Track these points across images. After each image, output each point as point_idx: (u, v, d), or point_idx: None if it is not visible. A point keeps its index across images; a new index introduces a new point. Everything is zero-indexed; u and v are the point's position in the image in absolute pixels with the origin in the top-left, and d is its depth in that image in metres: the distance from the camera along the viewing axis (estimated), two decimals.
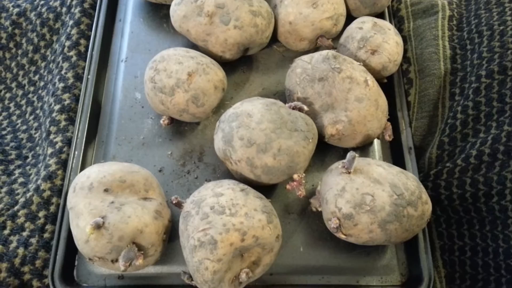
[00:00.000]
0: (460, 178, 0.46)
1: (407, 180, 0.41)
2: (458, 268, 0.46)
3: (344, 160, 0.42)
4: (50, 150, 0.50)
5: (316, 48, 0.56)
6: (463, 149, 0.48)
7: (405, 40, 0.58)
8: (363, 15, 0.56)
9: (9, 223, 0.47)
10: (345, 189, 0.41)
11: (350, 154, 0.41)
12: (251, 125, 0.42)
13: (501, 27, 0.51)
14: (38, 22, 0.61)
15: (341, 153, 0.52)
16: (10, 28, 0.62)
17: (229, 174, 0.49)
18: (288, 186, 0.44)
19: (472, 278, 0.45)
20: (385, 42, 0.50)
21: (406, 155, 0.50)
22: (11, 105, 0.60)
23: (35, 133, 0.56)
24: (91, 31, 0.58)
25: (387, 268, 0.46)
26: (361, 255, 0.46)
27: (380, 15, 0.58)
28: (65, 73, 0.55)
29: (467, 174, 0.46)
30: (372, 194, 0.40)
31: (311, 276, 0.46)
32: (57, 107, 0.53)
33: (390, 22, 0.59)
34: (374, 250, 0.47)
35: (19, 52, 0.62)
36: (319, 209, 0.45)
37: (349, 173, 0.41)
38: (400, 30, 0.59)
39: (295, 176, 0.43)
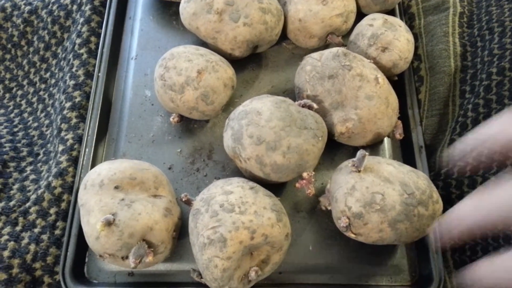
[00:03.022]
0: (471, 177, 0.46)
1: (417, 179, 0.41)
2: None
3: (354, 159, 0.42)
4: (61, 147, 0.51)
5: (326, 46, 0.56)
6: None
7: (416, 37, 0.58)
8: (374, 12, 0.56)
9: (21, 219, 0.47)
10: (355, 188, 0.40)
11: (360, 153, 0.40)
12: (260, 123, 0.42)
13: None
14: (49, 20, 0.61)
15: (351, 151, 0.51)
16: (21, 26, 0.62)
17: (238, 172, 0.49)
18: (297, 184, 0.44)
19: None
20: (396, 39, 0.50)
21: (416, 154, 0.50)
22: (23, 102, 0.61)
23: (46, 130, 0.57)
24: (101, 28, 0.58)
25: (397, 268, 0.46)
26: (370, 255, 0.46)
27: (391, 12, 0.58)
28: (76, 70, 0.56)
29: (478, 173, 0.46)
30: (382, 193, 0.39)
31: (320, 275, 0.45)
32: (68, 104, 0.53)
33: (401, 19, 0.58)
34: (383, 250, 0.46)
35: (31, 49, 0.62)
36: (329, 208, 0.45)
37: (359, 171, 0.41)
38: (411, 27, 0.59)
39: (305, 175, 0.43)
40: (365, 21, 0.52)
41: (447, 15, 0.57)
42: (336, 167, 0.45)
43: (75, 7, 0.61)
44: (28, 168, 0.53)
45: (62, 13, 0.61)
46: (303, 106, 0.45)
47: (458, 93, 0.53)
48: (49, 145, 0.55)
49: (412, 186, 0.40)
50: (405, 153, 0.52)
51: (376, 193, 0.39)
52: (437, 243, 0.45)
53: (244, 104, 0.45)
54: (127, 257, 0.39)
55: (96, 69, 0.55)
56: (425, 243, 0.45)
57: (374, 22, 0.51)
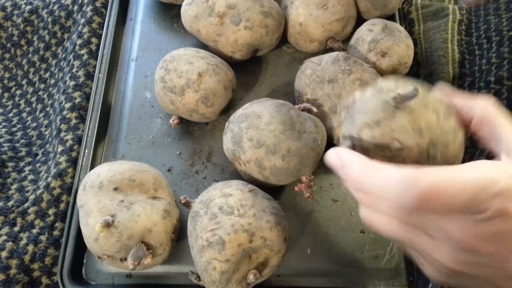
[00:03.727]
0: None
1: (453, 141, 0.34)
2: None
3: (401, 90, 0.34)
4: (60, 148, 0.51)
5: (326, 50, 0.56)
6: (473, 155, 0.48)
7: (415, 42, 0.58)
8: (374, 17, 0.56)
9: (19, 220, 0.47)
10: (379, 124, 0.34)
11: (411, 89, 0.33)
12: (260, 126, 0.42)
13: (510, 33, 0.51)
14: (49, 20, 0.61)
15: None
16: (22, 26, 0.62)
17: (237, 175, 0.49)
18: (296, 188, 0.44)
19: None
20: (396, 44, 0.50)
21: None
22: (22, 102, 0.61)
23: (45, 131, 0.56)
24: (102, 29, 0.58)
25: (395, 272, 0.46)
26: (368, 258, 0.46)
27: (391, 17, 0.58)
28: (76, 71, 0.56)
29: None
30: (404, 144, 0.33)
31: (318, 278, 0.46)
32: (68, 105, 0.53)
33: (401, 24, 0.58)
34: (381, 254, 0.46)
35: (30, 49, 0.62)
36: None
37: (397, 107, 0.34)
38: (410, 32, 0.59)
39: (304, 178, 0.44)
40: (365, 26, 0.53)
41: (447, 21, 0.57)
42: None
43: (76, 7, 0.61)
44: (27, 168, 0.53)
45: (63, 13, 0.61)
46: (303, 110, 0.45)
47: None
48: (48, 145, 0.55)
49: (440, 148, 0.33)
50: None
51: (396, 139, 0.33)
52: None
53: (244, 107, 0.45)
54: (125, 259, 0.39)
55: (97, 70, 0.55)
56: None
57: (374, 27, 0.51)
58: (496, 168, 0.28)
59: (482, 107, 0.32)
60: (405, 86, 0.34)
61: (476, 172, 0.27)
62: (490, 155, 0.33)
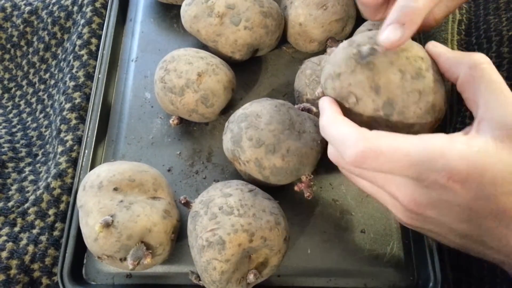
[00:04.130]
0: None
1: (416, 103, 0.34)
2: (464, 272, 0.46)
3: (363, 44, 0.35)
4: (60, 148, 0.51)
5: (326, 50, 0.56)
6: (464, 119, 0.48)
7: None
8: None
9: (19, 220, 0.47)
10: (340, 78, 0.35)
11: (368, 48, 0.34)
12: (260, 126, 0.42)
13: (510, 33, 0.51)
14: (49, 20, 0.61)
15: None
16: (21, 26, 0.62)
17: (237, 175, 0.49)
18: (296, 187, 0.44)
19: (479, 280, 0.45)
20: None
21: None
22: (22, 102, 0.61)
23: (45, 131, 0.57)
24: (102, 30, 0.58)
25: (395, 271, 0.46)
26: (368, 258, 0.46)
27: None
28: (76, 71, 0.56)
29: None
30: (360, 97, 0.34)
31: (318, 278, 0.46)
32: (68, 105, 0.53)
33: None
34: (381, 253, 0.46)
35: (30, 50, 0.63)
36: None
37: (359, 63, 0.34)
38: None
39: (303, 178, 0.44)
40: (364, 26, 0.52)
41: (447, 21, 0.57)
42: (335, 170, 0.45)
43: (75, 8, 0.61)
44: (27, 169, 0.53)
45: (62, 14, 0.61)
46: (302, 110, 0.45)
47: (456, 99, 0.53)
48: (48, 146, 0.55)
49: (397, 108, 0.33)
50: None
51: (353, 93, 0.34)
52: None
53: (243, 107, 0.45)
54: (125, 259, 0.39)
55: (96, 71, 0.55)
56: (423, 247, 0.45)
57: (374, 27, 0.51)
58: (448, 143, 0.29)
59: (470, 66, 0.32)
60: (371, 42, 0.35)
61: (423, 144, 0.29)
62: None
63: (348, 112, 0.35)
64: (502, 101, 0.30)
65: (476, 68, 0.31)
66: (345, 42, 0.36)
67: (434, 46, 0.35)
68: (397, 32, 0.33)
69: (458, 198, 0.29)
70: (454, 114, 0.53)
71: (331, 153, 0.36)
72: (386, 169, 0.31)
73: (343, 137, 0.32)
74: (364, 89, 0.34)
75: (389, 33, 0.33)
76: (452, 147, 0.29)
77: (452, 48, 0.55)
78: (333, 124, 0.33)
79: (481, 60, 0.31)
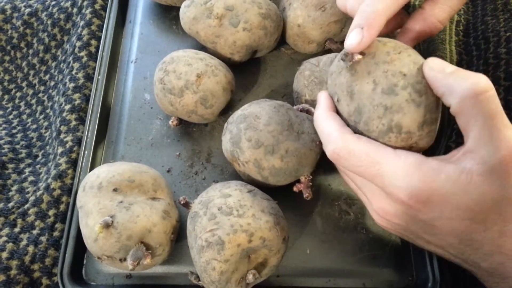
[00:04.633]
0: None
1: (383, 115, 0.33)
2: (462, 272, 0.46)
3: (345, 50, 0.35)
4: (60, 149, 0.51)
5: (324, 51, 0.57)
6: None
7: None
8: None
9: (19, 221, 0.47)
10: (331, 76, 0.38)
11: (345, 53, 0.35)
12: (259, 127, 0.42)
13: (508, 34, 0.51)
14: (49, 22, 0.62)
15: None
16: (21, 28, 0.62)
17: (236, 176, 0.49)
18: (295, 188, 0.44)
19: (477, 280, 0.45)
20: None
21: None
22: (22, 104, 0.61)
23: (45, 132, 0.57)
24: (101, 32, 0.59)
25: (394, 272, 0.46)
26: (367, 258, 0.46)
27: None
28: (76, 73, 0.56)
29: None
30: (337, 99, 0.36)
31: (317, 278, 0.46)
32: (67, 106, 0.54)
33: None
34: (380, 254, 0.47)
35: (30, 51, 0.63)
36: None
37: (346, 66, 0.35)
38: None
39: (302, 178, 0.44)
40: None
41: None
42: (333, 171, 0.45)
43: (75, 10, 0.61)
44: (27, 170, 0.53)
45: (62, 16, 0.61)
46: (301, 111, 0.46)
47: None
48: (48, 147, 0.55)
49: (364, 118, 0.34)
50: None
51: (336, 94, 0.36)
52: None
53: (242, 108, 0.45)
54: (125, 259, 0.39)
55: (96, 72, 0.55)
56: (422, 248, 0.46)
57: None
58: (418, 164, 0.30)
59: (462, 97, 0.30)
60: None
61: (395, 158, 0.31)
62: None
63: (336, 109, 0.37)
64: (492, 138, 0.29)
65: (468, 100, 0.29)
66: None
67: (429, 68, 0.32)
68: (358, 36, 0.34)
69: (421, 216, 0.31)
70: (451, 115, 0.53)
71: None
72: (356, 171, 0.33)
73: (327, 132, 0.35)
74: (342, 91, 0.35)
75: (351, 37, 0.34)
76: (420, 168, 0.30)
77: (450, 49, 0.56)
78: (323, 119, 0.36)
79: (476, 91, 0.29)
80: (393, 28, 0.42)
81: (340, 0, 0.42)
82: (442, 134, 0.52)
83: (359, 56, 0.33)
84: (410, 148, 0.34)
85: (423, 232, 0.33)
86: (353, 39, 0.34)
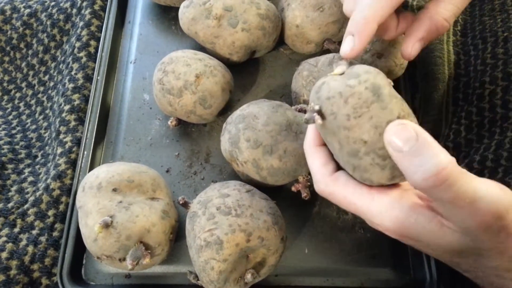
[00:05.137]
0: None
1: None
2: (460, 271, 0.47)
3: (343, 65, 0.34)
4: (59, 150, 0.51)
5: (323, 51, 0.57)
6: (467, 155, 0.48)
7: None
8: None
9: (19, 221, 0.47)
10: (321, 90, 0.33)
11: (342, 67, 0.34)
12: (257, 127, 0.42)
13: (505, 34, 0.52)
14: (48, 23, 0.62)
15: None
16: (21, 29, 0.63)
17: (235, 176, 0.49)
18: (293, 188, 0.44)
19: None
20: (392, 46, 0.50)
21: None
22: (21, 104, 0.61)
23: (44, 133, 0.57)
24: (101, 32, 0.59)
25: (392, 271, 0.46)
26: (365, 258, 0.47)
27: None
28: (75, 73, 0.56)
29: None
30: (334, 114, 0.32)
31: (315, 278, 0.46)
32: (67, 107, 0.54)
33: None
34: (378, 253, 0.47)
35: (30, 52, 0.63)
36: None
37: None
38: None
39: (300, 178, 0.44)
40: None
41: None
42: None
43: (74, 10, 0.62)
44: (26, 170, 0.53)
45: (61, 17, 0.62)
46: (299, 111, 0.46)
47: (451, 100, 0.54)
48: (47, 147, 0.55)
49: (341, 163, 0.34)
50: None
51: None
52: None
53: (241, 109, 0.46)
54: (124, 259, 0.40)
55: (95, 73, 0.55)
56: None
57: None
58: (392, 206, 0.31)
59: (419, 187, 0.28)
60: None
61: (364, 199, 0.33)
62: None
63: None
64: (461, 216, 0.28)
65: (428, 189, 0.28)
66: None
67: (388, 144, 0.29)
68: (349, 44, 0.36)
69: (407, 241, 0.33)
70: (449, 114, 0.53)
71: None
72: (341, 206, 0.35)
73: (312, 170, 0.36)
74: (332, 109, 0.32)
75: (344, 45, 0.36)
76: (392, 211, 0.31)
77: (448, 49, 0.56)
78: (308, 155, 0.37)
79: (434, 182, 0.27)
80: (402, 30, 0.42)
81: (347, 7, 0.41)
82: (440, 134, 0.52)
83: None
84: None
85: (422, 247, 0.33)
86: (345, 47, 0.36)
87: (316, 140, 0.36)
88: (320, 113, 0.32)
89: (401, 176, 0.31)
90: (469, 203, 0.27)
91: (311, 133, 0.37)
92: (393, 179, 0.32)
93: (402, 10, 0.43)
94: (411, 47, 0.41)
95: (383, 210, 0.32)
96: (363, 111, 0.30)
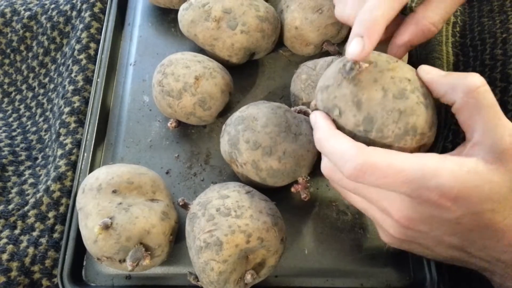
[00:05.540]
0: None
1: (396, 122, 0.34)
2: (460, 272, 0.47)
3: (346, 62, 0.36)
4: (60, 152, 0.51)
5: (322, 53, 0.57)
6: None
7: None
8: None
9: (19, 223, 0.48)
10: (327, 90, 0.36)
11: (350, 64, 0.35)
12: (256, 129, 0.43)
13: (504, 35, 0.52)
14: (48, 25, 0.62)
15: None
16: (21, 31, 0.63)
17: (235, 177, 0.50)
18: (293, 189, 0.44)
19: (475, 280, 0.45)
20: None
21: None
22: (21, 106, 0.61)
23: (44, 135, 0.57)
24: (100, 35, 0.59)
25: (391, 271, 0.47)
26: (365, 258, 0.47)
27: None
28: (75, 76, 0.56)
29: None
30: (342, 111, 0.35)
31: (315, 278, 0.46)
32: (67, 109, 0.54)
33: None
34: (378, 254, 0.47)
35: (30, 54, 0.63)
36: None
37: (345, 77, 0.35)
38: None
39: (300, 179, 0.44)
40: None
41: None
42: None
43: (74, 13, 0.62)
44: (27, 172, 0.53)
45: (61, 19, 0.62)
46: (298, 112, 0.46)
47: None
48: (47, 149, 0.55)
49: (376, 125, 0.34)
50: None
51: (337, 106, 0.35)
52: None
53: (240, 110, 0.46)
54: (124, 260, 0.40)
55: (95, 75, 0.55)
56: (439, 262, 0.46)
57: None
58: (441, 163, 0.31)
59: (465, 91, 0.32)
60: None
61: (417, 162, 0.31)
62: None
63: (334, 125, 0.36)
64: (496, 127, 0.31)
65: (471, 94, 0.32)
66: (337, 57, 0.37)
67: (426, 72, 0.35)
68: (359, 44, 0.35)
69: (448, 214, 0.31)
70: (449, 114, 0.53)
71: (326, 167, 0.37)
72: (382, 184, 0.32)
73: (341, 151, 0.33)
74: (347, 103, 0.35)
75: (352, 46, 0.35)
76: (444, 166, 0.31)
77: (447, 50, 0.56)
78: (331, 138, 0.34)
79: (477, 84, 0.32)
80: (392, 33, 0.42)
81: (338, 11, 0.42)
82: (440, 135, 0.53)
83: (366, 65, 0.34)
84: (419, 149, 0.35)
85: (447, 234, 0.33)
86: (354, 48, 0.34)
87: (332, 125, 0.35)
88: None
89: (436, 125, 0.35)
90: (501, 116, 0.31)
91: (323, 121, 0.36)
92: (432, 125, 0.34)
93: None
94: (396, 51, 0.42)
95: (436, 169, 0.30)
96: (396, 59, 0.35)
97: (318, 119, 0.36)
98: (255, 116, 0.43)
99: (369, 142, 0.34)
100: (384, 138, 0.34)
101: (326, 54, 0.55)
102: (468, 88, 0.32)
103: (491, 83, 0.49)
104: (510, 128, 0.31)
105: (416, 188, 0.31)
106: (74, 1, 0.62)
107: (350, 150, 0.32)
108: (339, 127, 0.35)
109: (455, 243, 0.33)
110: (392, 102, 0.33)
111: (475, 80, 0.32)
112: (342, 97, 0.35)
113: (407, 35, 0.40)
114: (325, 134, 0.35)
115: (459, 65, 0.55)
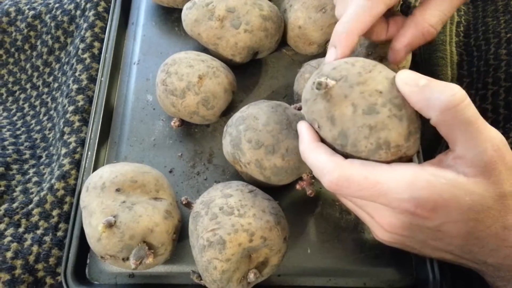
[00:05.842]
0: None
1: (366, 138, 0.33)
2: (463, 270, 0.47)
3: (319, 77, 0.35)
4: (64, 150, 0.52)
5: (325, 52, 0.57)
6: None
7: None
8: None
9: (23, 221, 0.48)
10: (306, 101, 0.36)
11: (319, 81, 0.34)
12: (258, 128, 0.43)
13: (508, 35, 0.52)
14: (53, 24, 0.62)
15: None
16: (25, 31, 0.63)
17: (238, 176, 0.50)
18: (298, 186, 0.45)
19: (478, 279, 0.45)
20: None
21: (414, 158, 0.51)
22: (26, 105, 0.62)
23: (49, 134, 0.57)
24: (104, 34, 0.59)
25: (394, 271, 0.47)
26: (368, 258, 0.47)
27: None
28: (79, 75, 0.56)
29: None
30: (320, 125, 0.35)
31: (318, 278, 0.46)
32: (71, 108, 0.54)
33: None
34: (381, 253, 0.47)
35: (34, 54, 0.63)
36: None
37: (318, 89, 0.35)
38: None
39: (304, 176, 0.44)
40: None
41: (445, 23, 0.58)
42: None
43: (78, 12, 0.62)
44: (31, 171, 0.54)
45: (65, 18, 0.62)
46: (299, 109, 0.46)
47: None
48: (51, 148, 0.55)
49: (350, 140, 0.34)
50: None
51: (316, 120, 0.36)
52: None
53: (241, 110, 0.46)
54: (128, 259, 0.40)
55: (99, 74, 0.56)
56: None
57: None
58: (417, 174, 0.31)
59: (441, 109, 0.30)
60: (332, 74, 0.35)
61: (392, 174, 0.31)
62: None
63: (319, 136, 0.36)
64: (478, 141, 0.30)
65: (446, 113, 0.30)
66: (318, 69, 0.37)
67: (403, 83, 0.32)
68: (332, 56, 0.37)
69: (427, 223, 0.32)
70: None
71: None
72: (359, 196, 0.33)
73: (319, 165, 0.34)
74: (322, 118, 0.35)
75: (327, 56, 0.37)
76: (420, 178, 0.31)
77: (451, 50, 0.56)
78: (312, 152, 0.35)
79: (454, 103, 0.30)
80: (392, 33, 0.42)
81: (338, 11, 0.43)
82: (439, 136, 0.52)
83: (333, 82, 0.33)
84: (400, 159, 0.34)
85: (430, 239, 0.33)
86: (328, 58, 0.37)
87: (315, 137, 0.36)
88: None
89: (416, 134, 0.33)
90: (483, 130, 0.30)
91: (307, 133, 0.36)
92: (409, 136, 0.33)
93: (394, 13, 0.43)
94: (396, 54, 0.42)
95: (411, 181, 0.30)
96: (371, 68, 0.34)
97: (302, 131, 0.37)
98: (255, 116, 0.43)
99: (347, 155, 0.34)
100: (358, 152, 0.34)
101: None
102: (444, 106, 0.30)
103: (495, 83, 0.49)
104: (492, 140, 0.30)
105: (392, 200, 0.31)
106: (78, 0, 0.63)
107: (328, 164, 0.33)
108: (322, 138, 0.36)
109: (441, 247, 0.34)
110: (361, 118, 0.33)
111: (453, 97, 0.30)
112: (318, 112, 0.35)
113: (406, 38, 0.40)
114: (306, 147, 0.36)
115: (463, 65, 0.55)
